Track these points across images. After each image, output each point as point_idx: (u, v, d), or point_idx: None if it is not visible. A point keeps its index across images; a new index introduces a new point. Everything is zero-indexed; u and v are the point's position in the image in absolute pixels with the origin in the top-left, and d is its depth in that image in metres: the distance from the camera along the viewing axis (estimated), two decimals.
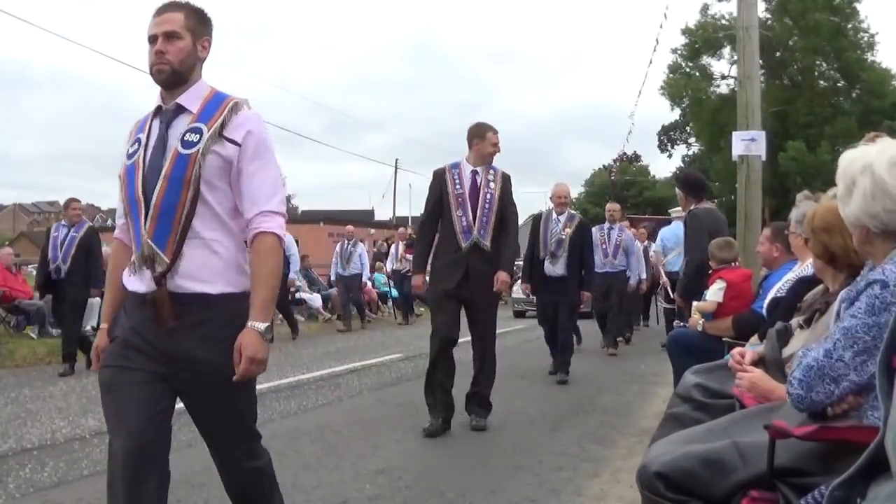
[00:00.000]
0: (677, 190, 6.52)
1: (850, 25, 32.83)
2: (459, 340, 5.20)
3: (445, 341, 5.09)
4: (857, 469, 1.54)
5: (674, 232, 9.01)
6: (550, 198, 8.19)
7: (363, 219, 46.27)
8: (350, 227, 14.52)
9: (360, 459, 4.44)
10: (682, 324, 10.36)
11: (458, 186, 5.17)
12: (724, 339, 4.25)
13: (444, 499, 3.74)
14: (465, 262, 5.05)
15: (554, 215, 7.53)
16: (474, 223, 5.07)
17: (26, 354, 8.94)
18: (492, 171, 5.25)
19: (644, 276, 10.59)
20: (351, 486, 3.92)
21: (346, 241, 13.89)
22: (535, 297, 8.17)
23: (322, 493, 3.81)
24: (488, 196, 5.13)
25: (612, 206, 10.27)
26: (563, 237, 7.33)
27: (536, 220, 7.81)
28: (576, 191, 47.66)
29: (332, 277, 14.34)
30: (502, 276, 5.09)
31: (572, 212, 7.68)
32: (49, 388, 6.95)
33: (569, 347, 7.48)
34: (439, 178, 5.28)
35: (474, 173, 5.22)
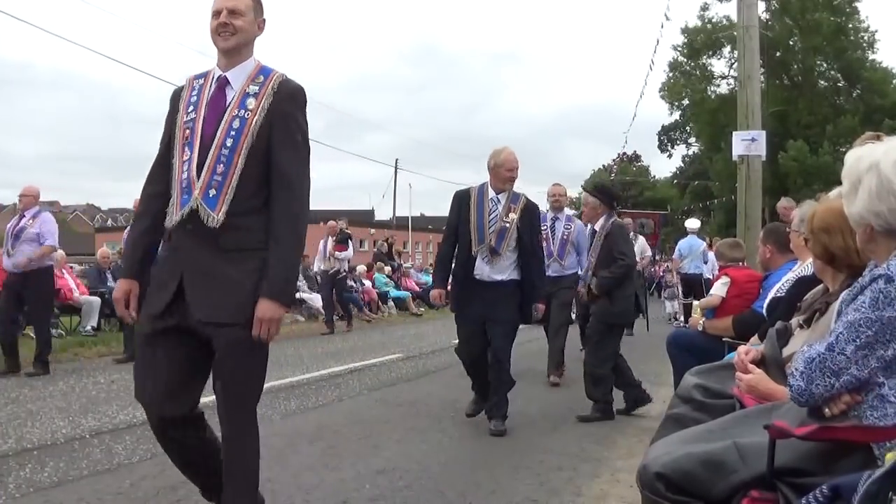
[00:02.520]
0: (590, 198, 6.16)
1: (850, 25, 32.84)
2: None
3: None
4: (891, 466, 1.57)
5: (689, 243, 12.33)
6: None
7: (363, 219, 46.31)
8: (332, 223, 13.21)
9: (360, 459, 4.44)
10: (682, 324, 10.52)
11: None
12: (724, 339, 4.25)
13: (445, 499, 3.74)
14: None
15: (491, 192, 5.23)
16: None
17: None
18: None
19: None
20: (351, 486, 3.92)
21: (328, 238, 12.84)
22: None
23: (322, 493, 3.81)
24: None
25: (555, 190, 7.83)
26: (507, 225, 5.12)
27: (462, 199, 5.31)
28: (576, 191, 47.67)
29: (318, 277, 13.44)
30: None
31: (517, 192, 5.37)
32: (49, 388, 6.95)
33: (505, 382, 5.19)
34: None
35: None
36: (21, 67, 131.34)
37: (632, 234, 10.86)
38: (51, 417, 5.59)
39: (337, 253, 12.78)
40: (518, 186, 5.49)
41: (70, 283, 11.22)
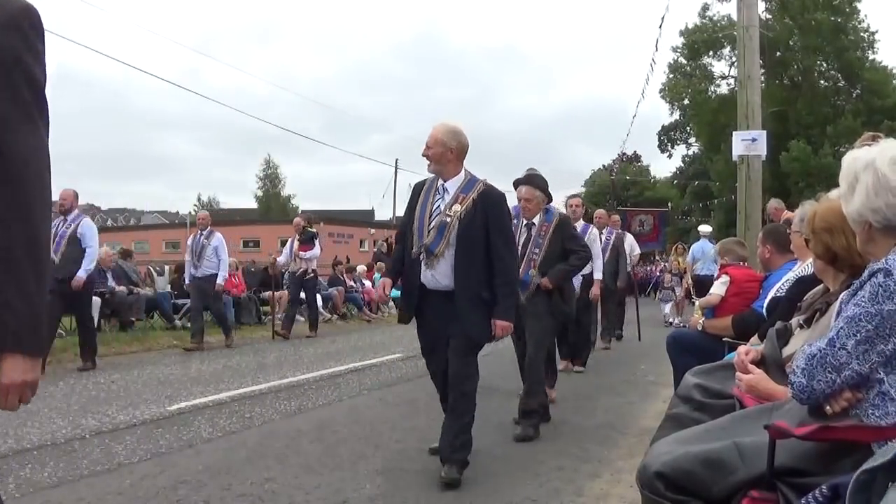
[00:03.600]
0: (532, 191, 5.44)
1: (850, 24, 32.85)
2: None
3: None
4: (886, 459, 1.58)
5: (701, 246, 13.03)
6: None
7: (363, 219, 46.40)
8: (204, 213, 11.07)
9: (360, 459, 4.44)
10: (682, 324, 10.59)
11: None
12: (724, 338, 4.26)
13: (445, 499, 3.74)
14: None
15: (440, 180, 4.26)
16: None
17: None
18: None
19: (598, 275, 7.96)
20: (351, 486, 3.92)
21: (198, 233, 10.53)
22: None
23: (322, 493, 3.81)
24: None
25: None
26: (448, 219, 4.09)
27: (416, 190, 4.45)
28: (576, 191, 47.73)
29: (186, 280, 10.90)
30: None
31: (476, 177, 4.27)
32: (49, 388, 6.94)
33: (460, 414, 4.05)
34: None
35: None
36: None
37: (621, 231, 10.89)
38: (51, 417, 5.59)
39: (301, 253, 11.84)
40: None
41: None
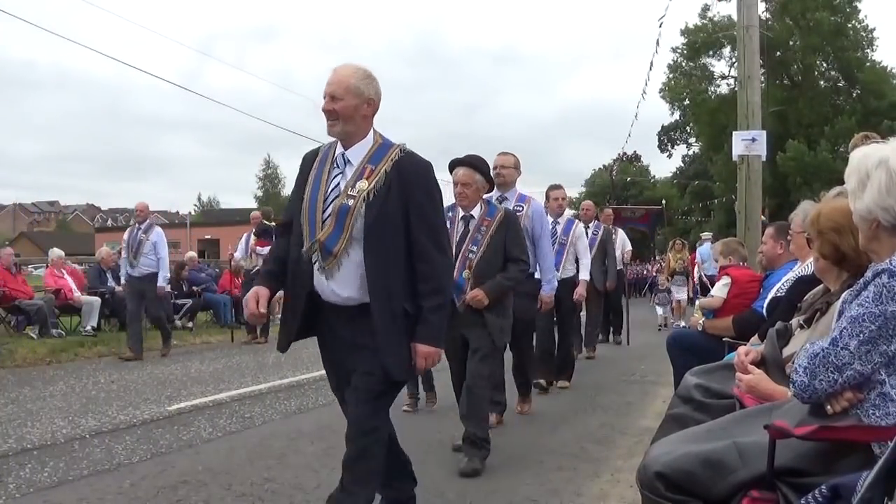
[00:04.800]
0: (471, 174, 4.56)
1: (850, 24, 32.85)
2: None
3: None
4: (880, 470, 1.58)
5: (706, 248, 12.72)
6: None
7: None
8: (142, 204, 9.62)
9: None
10: (682, 324, 10.55)
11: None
12: (724, 338, 4.25)
13: (445, 499, 3.74)
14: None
15: (338, 149, 3.01)
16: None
17: (26, 354, 8.93)
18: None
19: (584, 275, 7.08)
20: None
21: (136, 227, 9.42)
22: None
23: (322, 493, 3.80)
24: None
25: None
26: (351, 202, 2.87)
27: (306, 163, 3.16)
28: (576, 191, 47.70)
29: (122, 279, 9.85)
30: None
31: (389, 141, 3.00)
32: (49, 388, 6.95)
33: (361, 495, 3.10)
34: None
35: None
36: (23, 67, 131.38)
37: (610, 226, 10.13)
38: (51, 417, 5.59)
39: (258, 249, 10.94)
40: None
41: (70, 283, 11.22)
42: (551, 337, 6.71)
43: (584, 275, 7.08)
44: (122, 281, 9.77)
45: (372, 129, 2.97)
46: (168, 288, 9.85)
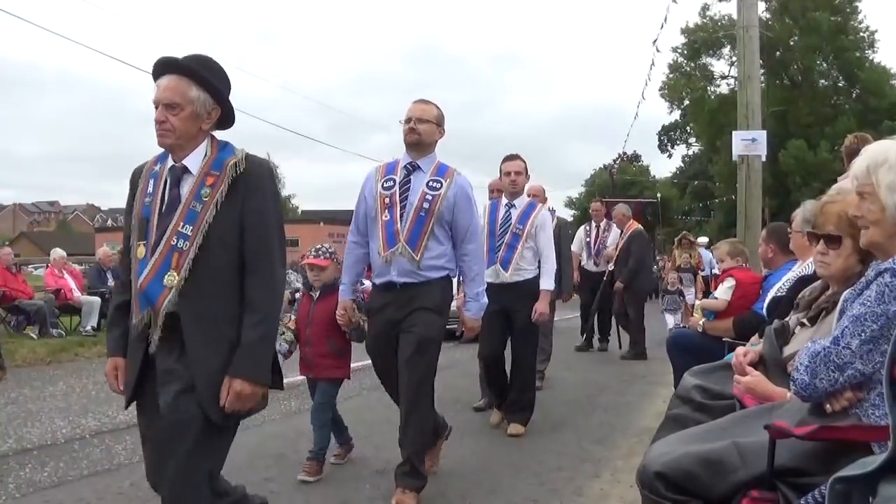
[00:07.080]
0: (520, 163, 5.17)
1: (850, 24, 32.87)
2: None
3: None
4: (866, 466, 1.56)
5: (705, 253, 12.82)
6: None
7: None
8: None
9: (360, 459, 4.44)
10: (682, 324, 10.50)
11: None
12: (724, 339, 4.25)
13: (445, 499, 3.74)
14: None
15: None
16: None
17: (26, 354, 8.93)
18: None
19: (547, 283, 5.14)
20: (351, 486, 3.92)
21: None
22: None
23: (322, 493, 3.81)
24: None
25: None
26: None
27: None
28: (576, 190, 47.72)
29: None
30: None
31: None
32: (49, 388, 6.95)
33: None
34: None
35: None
36: (26, 67, 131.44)
37: (604, 222, 9.80)
38: (51, 417, 5.60)
39: None
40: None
41: (70, 283, 11.22)
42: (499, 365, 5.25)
43: (548, 282, 5.12)
44: None
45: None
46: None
